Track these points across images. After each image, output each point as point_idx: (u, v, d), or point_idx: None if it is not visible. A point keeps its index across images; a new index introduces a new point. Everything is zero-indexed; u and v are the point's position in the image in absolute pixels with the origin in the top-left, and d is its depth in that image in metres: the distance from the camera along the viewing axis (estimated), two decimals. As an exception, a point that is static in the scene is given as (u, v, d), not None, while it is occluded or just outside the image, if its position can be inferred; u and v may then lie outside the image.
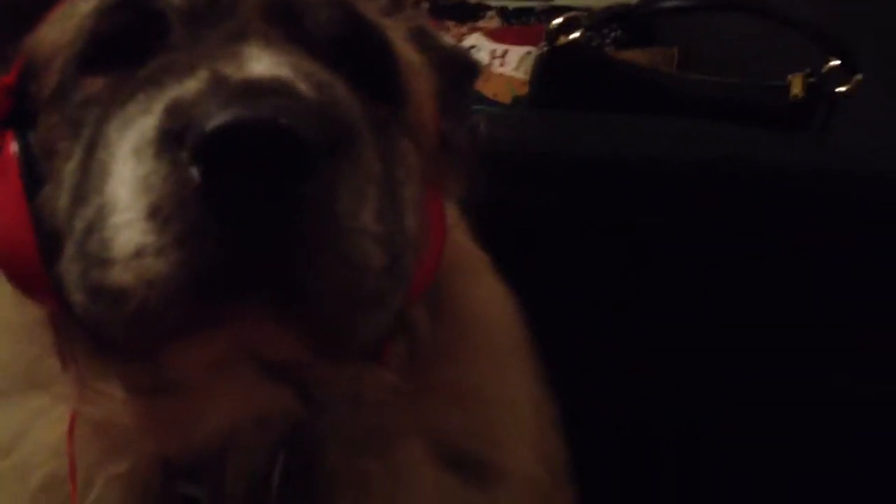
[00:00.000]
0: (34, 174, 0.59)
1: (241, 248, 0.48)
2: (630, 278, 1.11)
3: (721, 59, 2.44)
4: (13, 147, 0.61)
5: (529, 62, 2.40)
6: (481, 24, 3.41)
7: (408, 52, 0.68)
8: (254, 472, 0.64)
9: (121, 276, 0.49)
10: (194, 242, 0.47)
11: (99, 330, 0.53)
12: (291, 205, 0.48)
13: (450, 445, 0.71)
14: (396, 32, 0.68)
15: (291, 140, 0.47)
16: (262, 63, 0.51)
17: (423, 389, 0.69)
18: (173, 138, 0.48)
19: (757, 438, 1.14)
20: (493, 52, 3.03)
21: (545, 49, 1.25)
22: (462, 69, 0.78)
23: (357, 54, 0.61)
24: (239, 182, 0.46)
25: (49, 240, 0.57)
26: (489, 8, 3.48)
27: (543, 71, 1.26)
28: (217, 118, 0.46)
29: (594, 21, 1.25)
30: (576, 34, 1.23)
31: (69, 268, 0.54)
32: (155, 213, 0.48)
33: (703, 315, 1.12)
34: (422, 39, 0.72)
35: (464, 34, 3.25)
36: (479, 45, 3.09)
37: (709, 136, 1.16)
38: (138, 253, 0.48)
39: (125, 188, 0.49)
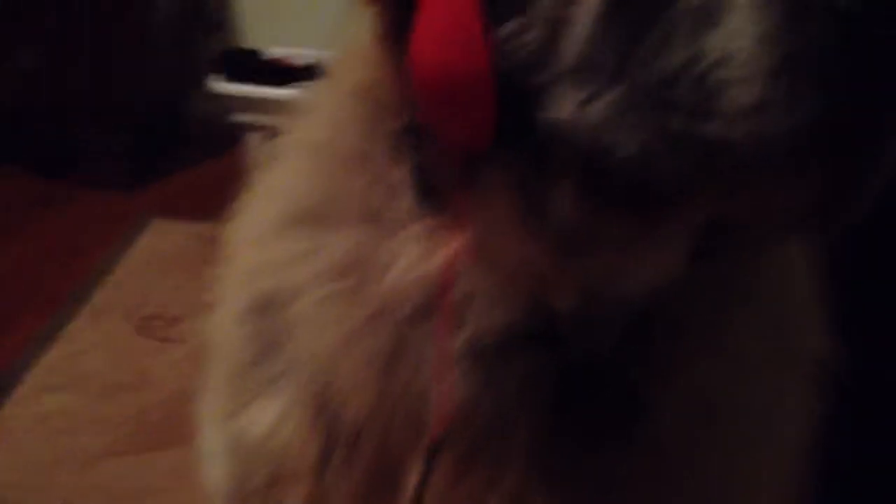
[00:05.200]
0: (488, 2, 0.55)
1: (866, 106, 0.46)
2: None
3: None
4: None
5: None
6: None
7: None
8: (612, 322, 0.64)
9: (726, 131, 0.47)
10: (824, 99, 0.45)
11: (633, 175, 0.50)
12: None
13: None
14: None
15: None
16: None
17: None
18: None
19: None
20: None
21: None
22: None
23: None
24: (883, 38, 0.44)
25: (516, 78, 0.53)
26: None
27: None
28: None
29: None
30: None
31: (613, 112, 0.50)
32: (785, 68, 0.45)
33: None
34: None
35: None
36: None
37: None
38: (756, 108, 0.46)
39: (744, 41, 0.46)
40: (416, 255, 0.65)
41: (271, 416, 0.72)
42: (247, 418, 0.74)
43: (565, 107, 0.52)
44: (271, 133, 0.78)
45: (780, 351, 0.71)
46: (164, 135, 2.92)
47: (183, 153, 2.89)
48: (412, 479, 0.68)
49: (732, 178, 0.49)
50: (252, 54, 2.79)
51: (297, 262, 0.71)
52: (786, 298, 0.72)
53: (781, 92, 0.45)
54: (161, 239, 2.42)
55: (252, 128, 2.54)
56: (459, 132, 0.57)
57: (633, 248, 0.57)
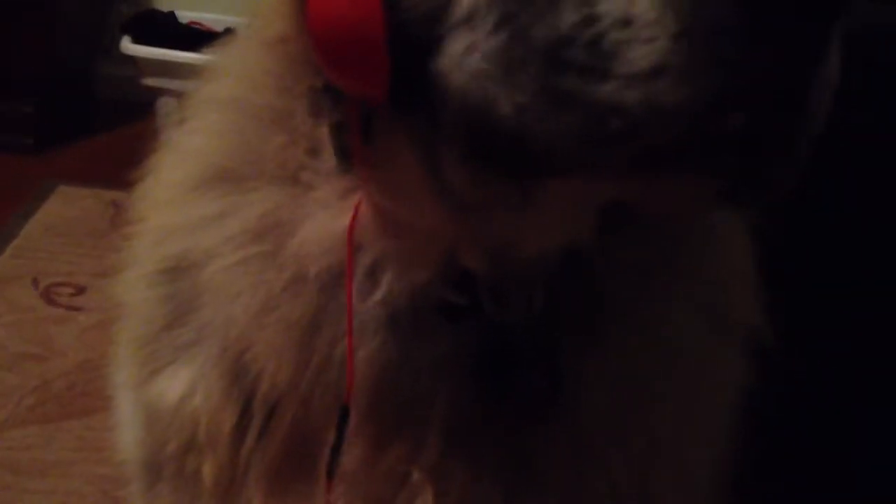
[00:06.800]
0: None
1: (768, 82, 0.45)
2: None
3: None
4: None
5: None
6: None
7: None
8: (527, 290, 0.63)
9: (619, 93, 0.45)
10: (723, 72, 0.44)
11: (518, 135, 0.49)
12: (820, 53, 0.46)
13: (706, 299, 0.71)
14: None
15: None
16: None
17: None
18: None
19: None
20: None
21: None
22: None
23: None
24: (788, 14, 0.44)
25: (410, 28, 0.52)
26: None
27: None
28: None
29: None
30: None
31: (496, 63, 0.49)
32: (685, 36, 0.44)
33: None
34: None
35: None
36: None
37: None
38: (654, 72, 0.45)
39: (646, 5, 0.45)
40: (328, 216, 0.64)
41: (184, 383, 0.70)
42: (159, 385, 0.72)
43: (452, 55, 0.51)
44: (184, 98, 0.76)
45: (711, 322, 0.71)
46: (74, 98, 2.82)
47: (93, 117, 2.80)
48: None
49: (627, 148, 0.47)
50: (167, 17, 2.72)
51: (211, 224, 0.68)
52: (719, 270, 0.72)
53: (680, 59, 0.44)
54: (68, 205, 2.35)
55: (165, 92, 2.48)
56: (355, 84, 0.56)
57: (524, 210, 0.56)
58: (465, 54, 0.51)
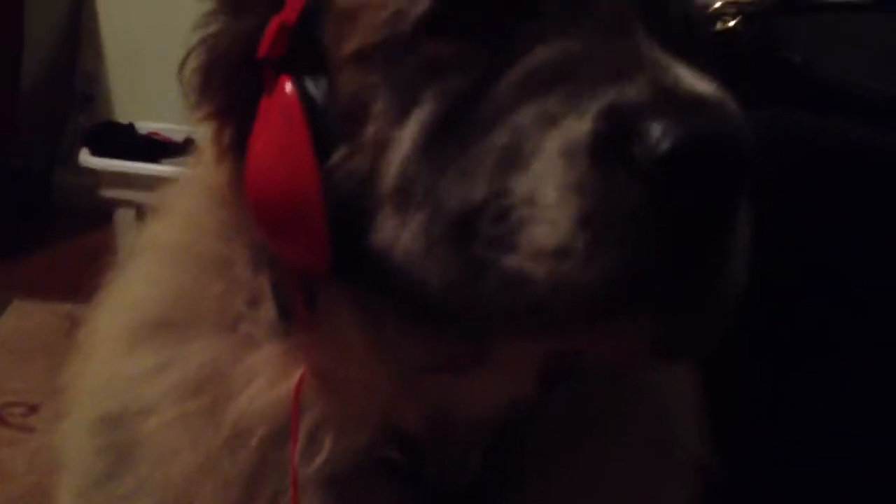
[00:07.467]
0: (317, 128, 0.56)
1: (676, 260, 0.47)
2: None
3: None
4: (288, 88, 0.56)
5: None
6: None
7: None
8: (466, 448, 0.64)
9: (526, 265, 0.47)
10: (627, 255, 0.46)
11: (447, 303, 0.52)
12: (727, 223, 0.48)
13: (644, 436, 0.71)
14: None
15: (741, 159, 0.46)
16: (686, 73, 0.49)
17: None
18: (614, 146, 0.46)
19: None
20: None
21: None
22: None
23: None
24: (688, 198, 0.46)
25: (347, 204, 0.55)
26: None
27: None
28: (676, 135, 0.45)
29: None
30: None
31: (420, 239, 0.52)
32: (588, 220, 0.46)
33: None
34: None
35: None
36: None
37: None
38: (558, 252, 0.46)
39: (549, 187, 0.47)
40: (271, 376, 0.64)
41: None
42: None
43: (385, 232, 0.54)
44: (142, 210, 0.76)
45: (654, 457, 0.72)
46: (29, 210, 2.79)
47: (50, 229, 2.77)
48: None
49: (542, 316, 0.49)
50: (126, 129, 2.72)
51: (149, 376, 0.68)
52: (661, 402, 0.73)
53: (582, 242, 0.46)
54: (22, 320, 2.30)
55: (123, 203, 2.46)
56: (296, 256, 0.58)
57: (468, 372, 0.58)
58: (396, 232, 0.53)
